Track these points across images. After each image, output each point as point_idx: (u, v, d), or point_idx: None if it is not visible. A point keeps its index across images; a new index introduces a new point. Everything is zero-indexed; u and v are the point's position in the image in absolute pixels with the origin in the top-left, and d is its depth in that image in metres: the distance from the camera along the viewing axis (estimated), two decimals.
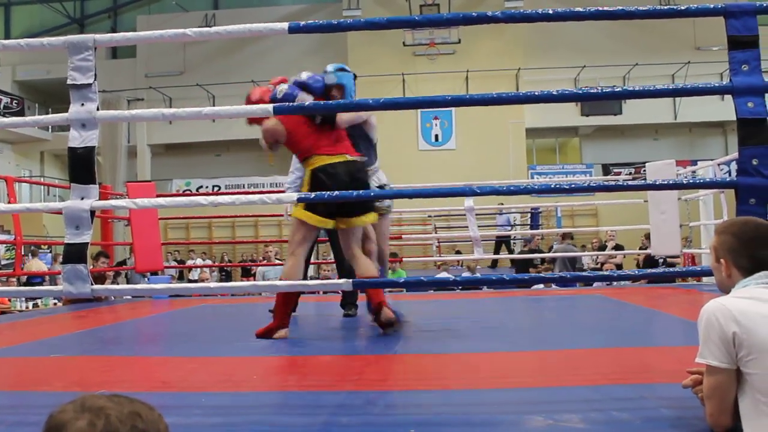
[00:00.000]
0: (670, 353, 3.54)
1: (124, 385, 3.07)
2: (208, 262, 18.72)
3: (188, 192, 21.95)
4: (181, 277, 17.99)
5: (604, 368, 3.33)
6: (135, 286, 3.45)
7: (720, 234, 2.06)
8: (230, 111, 2.93)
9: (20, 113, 24.16)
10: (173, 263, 17.29)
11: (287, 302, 4.35)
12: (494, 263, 17.32)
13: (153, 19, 25.05)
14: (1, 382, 3.26)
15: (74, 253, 2.91)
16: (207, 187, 22.57)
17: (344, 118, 4.25)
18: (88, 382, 3.16)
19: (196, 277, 15.76)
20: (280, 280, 4.25)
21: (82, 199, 2.95)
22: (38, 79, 24.17)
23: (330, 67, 4.53)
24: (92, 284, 2.96)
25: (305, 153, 4.25)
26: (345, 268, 5.15)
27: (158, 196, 9.09)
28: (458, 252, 16.63)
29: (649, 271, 3.24)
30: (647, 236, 11.31)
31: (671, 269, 3.05)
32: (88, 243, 2.92)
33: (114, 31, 25.99)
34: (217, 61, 23.69)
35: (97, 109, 2.99)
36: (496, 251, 17.22)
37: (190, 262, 18.31)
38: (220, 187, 22.35)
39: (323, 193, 3.56)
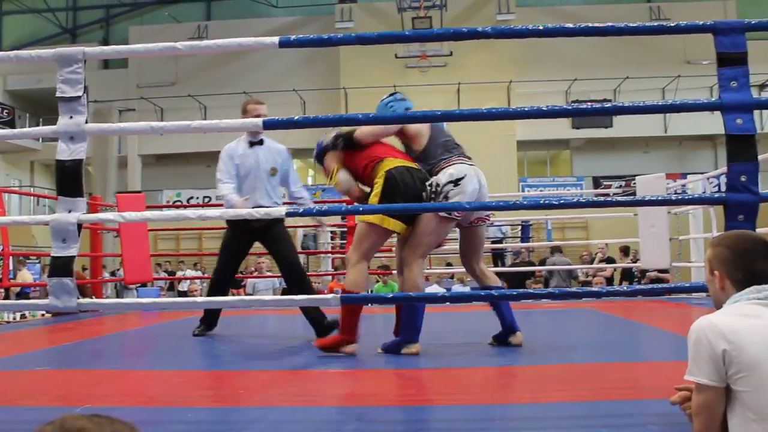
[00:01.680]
0: (658, 368, 3.53)
1: (109, 400, 3.05)
2: (199, 273, 18.62)
3: (179, 203, 21.89)
4: (171, 289, 17.89)
5: (593, 384, 3.33)
6: (122, 300, 3.43)
7: (715, 246, 2.05)
8: (218, 125, 2.92)
9: (11, 123, 24.12)
10: (163, 274, 17.20)
11: (352, 313, 4.03)
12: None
13: (145, 30, 25.05)
14: None
15: (60, 267, 2.89)
16: (197, 198, 22.51)
17: (365, 131, 4.15)
18: (73, 396, 3.13)
19: (186, 289, 15.66)
20: (344, 291, 3.97)
21: (70, 212, 2.93)
22: (29, 88, 24.11)
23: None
24: (79, 298, 2.94)
25: (373, 159, 4.17)
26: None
27: (148, 207, 9.08)
28: (449, 264, 16.61)
29: (639, 287, 3.25)
30: (623, 250, 11.36)
31: (660, 286, 3.04)
32: (74, 256, 2.90)
33: (106, 41, 26.01)
34: (210, 72, 23.70)
35: (86, 122, 2.97)
36: (495, 263, 17.24)
37: (180, 274, 18.23)
38: (210, 198, 22.26)
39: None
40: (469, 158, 4.27)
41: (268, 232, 5.10)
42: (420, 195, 4.06)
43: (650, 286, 3.21)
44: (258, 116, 4.78)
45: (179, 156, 24.08)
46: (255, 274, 14.41)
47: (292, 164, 5.47)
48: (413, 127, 4.24)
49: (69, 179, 2.95)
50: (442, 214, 3.98)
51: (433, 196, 4.05)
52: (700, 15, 20.60)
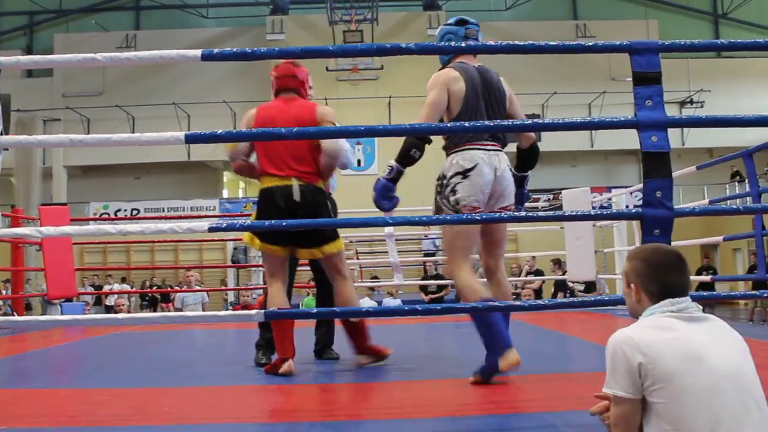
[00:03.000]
0: (582, 379, 3.60)
1: (29, 421, 2.96)
2: (126, 287, 18.24)
3: (106, 215, 21.42)
4: (98, 303, 17.48)
5: (517, 396, 3.37)
6: (39, 317, 3.34)
7: (631, 260, 2.09)
8: (139, 138, 2.87)
9: None
10: (89, 289, 16.79)
11: (282, 332, 3.90)
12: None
13: (71, 37, 24.46)
14: None
15: None
16: (126, 210, 22.05)
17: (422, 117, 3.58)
18: None
19: (113, 303, 15.32)
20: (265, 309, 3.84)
21: None
22: None
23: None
24: None
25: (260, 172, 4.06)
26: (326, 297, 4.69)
27: (73, 220, 8.85)
28: (375, 277, 16.63)
29: (564, 300, 3.26)
30: (555, 262, 11.58)
31: (585, 299, 3.11)
32: None
33: (30, 49, 25.33)
34: (138, 82, 23.29)
35: (2, 133, 2.89)
36: (425, 277, 17.31)
37: (107, 288, 17.83)
38: (139, 211, 21.86)
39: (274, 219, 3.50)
40: (493, 141, 3.63)
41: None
42: (291, 214, 3.89)
43: (572, 299, 3.27)
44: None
45: (106, 167, 23.59)
46: (184, 288, 14.19)
47: None
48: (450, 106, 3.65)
49: None
50: (448, 210, 3.60)
51: (439, 190, 3.68)
52: (624, 33, 21.20)
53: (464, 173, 3.57)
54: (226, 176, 25.52)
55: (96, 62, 2.86)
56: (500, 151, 3.66)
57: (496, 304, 3.30)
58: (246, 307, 10.67)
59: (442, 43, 3.67)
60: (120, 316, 3.02)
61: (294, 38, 22.45)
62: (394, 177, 3.62)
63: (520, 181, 3.87)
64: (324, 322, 4.76)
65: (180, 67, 22.78)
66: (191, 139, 2.81)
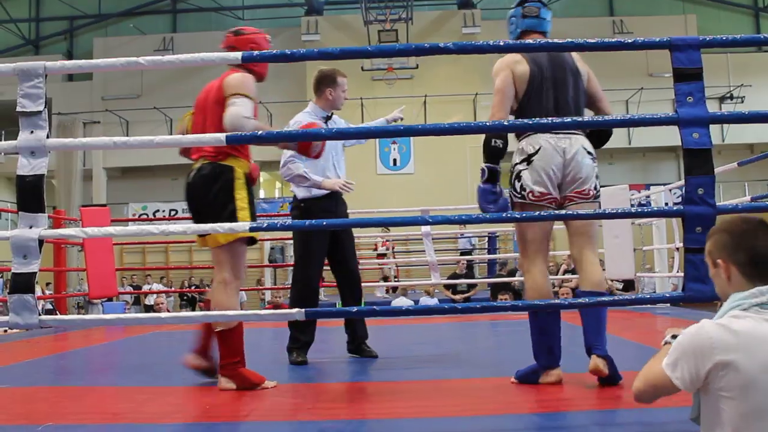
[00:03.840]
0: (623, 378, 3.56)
1: (72, 418, 3.02)
2: (165, 287, 18.47)
3: (145, 216, 21.70)
4: (137, 303, 17.71)
5: (554, 395, 3.35)
6: (84, 317, 3.39)
7: (711, 236, 1.97)
8: (180, 140, 2.91)
9: None
10: (128, 288, 17.03)
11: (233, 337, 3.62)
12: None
13: (110, 41, 24.82)
14: None
15: (21, 283, 2.85)
16: (163, 211, 22.32)
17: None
18: (35, 414, 3.09)
19: (152, 303, 15.51)
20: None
21: (31, 227, 2.89)
22: None
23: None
24: (40, 314, 2.91)
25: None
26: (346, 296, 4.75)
27: (113, 220, 8.98)
28: (387, 278, 16.48)
29: (602, 299, 3.12)
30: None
31: (624, 297, 3.08)
32: (35, 273, 2.87)
33: (70, 53, 25.74)
34: (175, 84, 23.50)
35: (48, 137, 2.94)
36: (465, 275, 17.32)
37: (146, 288, 18.06)
38: (176, 211, 22.11)
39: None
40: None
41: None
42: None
43: (613, 297, 3.24)
44: (344, 91, 4.56)
45: (145, 169, 23.86)
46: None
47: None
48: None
49: (30, 195, 2.92)
50: (516, 198, 3.49)
51: (510, 179, 3.55)
52: (662, 28, 20.96)
53: (528, 159, 3.45)
54: (262, 176, 25.71)
55: (139, 66, 2.91)
56: (575, 134, 3.48)
57: (535, 302, 3.28)
58: (277, 306, 10.69)
59: (511, 27, 3.68)
60: (163, 315, 3.07)
61: (329, 38, 22.53)
62: (489, 178, 3.50)
63: None
64: (351, 320, 4.74)
65: (216, 68, 22.68)
66: (232, 140, 2.84)
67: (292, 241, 5.05)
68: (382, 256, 15.56)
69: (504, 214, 3.42)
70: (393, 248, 16.39)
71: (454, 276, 13.09)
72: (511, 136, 3.56)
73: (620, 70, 21.68)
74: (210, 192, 3.55)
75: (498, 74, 3.52)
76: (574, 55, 3.58)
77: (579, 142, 3.47)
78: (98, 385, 3.97)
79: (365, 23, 21.52)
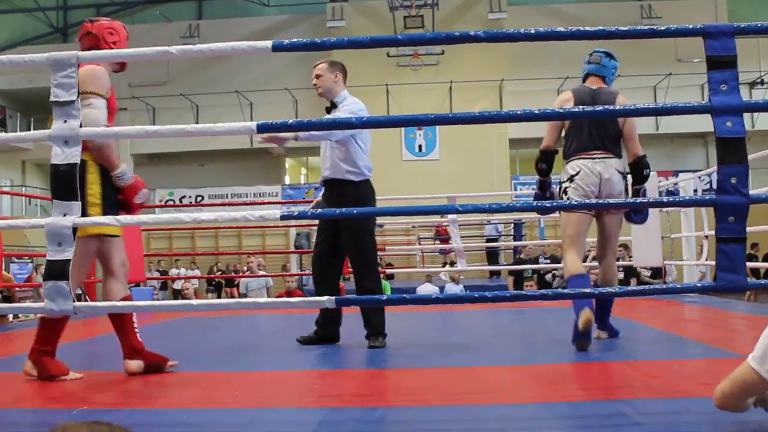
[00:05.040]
0: (650, 367, 3.56)
1: (103, 402, 3.06)
2: (196, 272, 18.62)
3: (171, 202, 21.87)
4: (164, 288, 17.88)
5: (586, 383, 3.35)
6: (116, 303, 3.44)
7: None
8: (212, 128, 2.93)
9: (2, 122, 24.12)
10: (155, 274, 17.19)
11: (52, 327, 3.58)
12: (491, 272, 17.46)
13: (136, 28, 24.90)
14: None
15: (56, 270, 2.90)
16: (190, 197, 22.49)
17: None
18: (67, 398, 3.14)
19: (180, 287, 15.65)
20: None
21: (65, 215, 2.94)
22: (20, 88, 23.94)
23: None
24: (74, 301, 2.95)
25: None
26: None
27: (147, 207, 9.04)
28: (450, 263, 16.55)
29: (630, 288, 3.28)
30: (622, 247, 11.41)
31: (653, 287, 3.08)
32: (70, 260, 2.91)
33: None
34: (201, 71, 23.62)
35: (80, 126, 2.98)
36: (490, 261, 17.34)
37: (174, 272, 18.22)
38: (203, 197, 22.28)
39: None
40: (601, 150, 4.35)
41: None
42: None
43: (644, 287, 3.23)
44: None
45: (171, 155, 24.03)
46: (247, 273, 14.42)
47: None
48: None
49: (63, 183, 2.96)
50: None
51: (559, 192, 4.47)
52: (691, 13, 20.66)
53: (571, 178, 4.38)
54: (288, 163, 25.80)
55: (169, 55, 2.93)
56: (608, 158, 4.36)
57: (566, 291, 3.28)
58: (290, 293, 10.64)
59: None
60: (194, 302, 3.10)
61: (354, 25, 22.49)
62: (539, 187, 4.56)
63: (635, 194, 4.47)
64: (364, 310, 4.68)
65: (241, 56, 23.03)
66: (263, 129, 2.86)
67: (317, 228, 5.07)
68: (445, 241, 15.55)
69: (535, 203, 3.66)
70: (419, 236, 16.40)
71: (519, 261, 13.17)
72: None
73: (648, 55, 21.43)
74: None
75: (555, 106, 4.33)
76: (619, 98, 4.40)
77: (612, 165, 4.36)
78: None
79: (390, 9, 21.47)
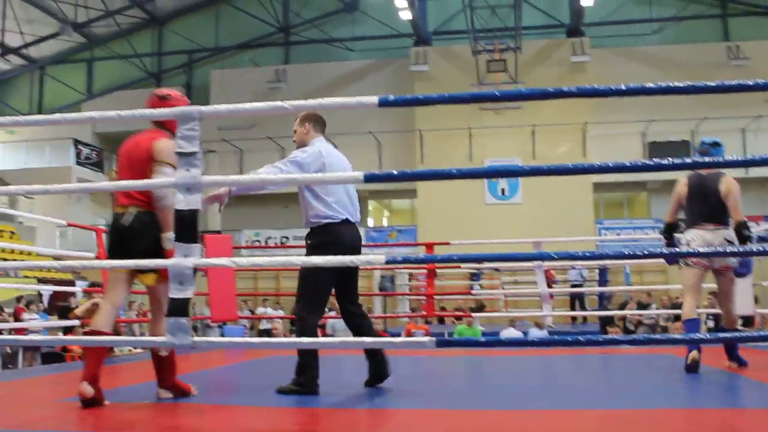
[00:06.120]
0: (739, 416, 3.56)
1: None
2: (280, 312, 18.97)
3: (257, 243, 22.38)
4: (251, 328, 18.26)
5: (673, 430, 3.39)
6: (234, 339, 3.68)
7: None
8: (323, 179, 3.15)
9: (99, 164, 25.37)
10: (247, 313, 17.61)
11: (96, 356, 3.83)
12: (573, 318, 17.29)
13: (226, 73, 25.94)
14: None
15: (178, 307, 3.16)
16: (275, 238, 22.98)
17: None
18: (180, 428, 3.36)
19: (270, 327, 16.01)
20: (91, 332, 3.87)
21: (186, 257, 3.20)
22: (117, 131, 25.03)
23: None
24: (193, 336, 3.20)
25: None
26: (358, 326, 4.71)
27: (234, 248, 9.39)
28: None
29: (720, 335, 3.29)
30: (712, 294, 11.21)
31: (746, 334, 3.10)
32: (190, 298, 3.17)
33: (189, 84, 27.06)
34: (287, 115, 24.18)
35: (202, 174, 3.25)
36: (572, 307, 17.18)
37: (261, 311, 18.60)
38: (288, 239, 22.72)
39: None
40: (711, 222, 5.48)
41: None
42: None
43: (730, 334, 3.26)
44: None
45: (257, 197, 24.55)
46: (333, 313, 14.64)
47: None
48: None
49: (186, 227, 3.23)
50: (683, 264, 5.62)
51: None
52: None
53: (687, 243, 5.51)
54: (371, 205, 26.13)
55: (284, 110, 3.18)
56: (718, 229, 5.46)
57: (656, 337, 3.36)
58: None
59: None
60: (285, 340, 3.29)
61: (437, 69, 22.84)
62: (664, 237, 5.86)
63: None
64: (374, 355, 4.64)
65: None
66: (370, 179, 3.06)
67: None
68: (551, 284, 15.46)
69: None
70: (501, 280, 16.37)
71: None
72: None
73: (736, 97, 21.05)
74: (150, 236, 3.77)
75: (673, 191, 5.76)
76: (723, 179, 5.47)
77: (721, 234, 5.43)
78: (236, 404, 4.22)
79: (473, 53, 21.73)
